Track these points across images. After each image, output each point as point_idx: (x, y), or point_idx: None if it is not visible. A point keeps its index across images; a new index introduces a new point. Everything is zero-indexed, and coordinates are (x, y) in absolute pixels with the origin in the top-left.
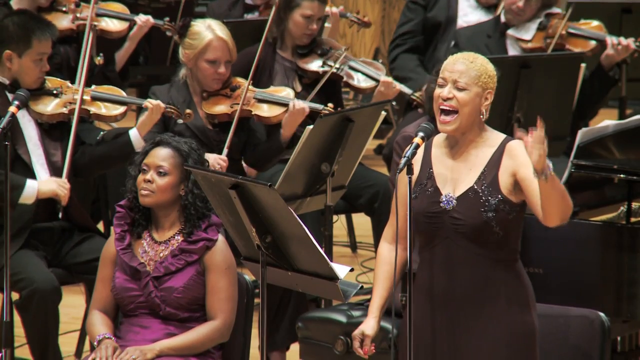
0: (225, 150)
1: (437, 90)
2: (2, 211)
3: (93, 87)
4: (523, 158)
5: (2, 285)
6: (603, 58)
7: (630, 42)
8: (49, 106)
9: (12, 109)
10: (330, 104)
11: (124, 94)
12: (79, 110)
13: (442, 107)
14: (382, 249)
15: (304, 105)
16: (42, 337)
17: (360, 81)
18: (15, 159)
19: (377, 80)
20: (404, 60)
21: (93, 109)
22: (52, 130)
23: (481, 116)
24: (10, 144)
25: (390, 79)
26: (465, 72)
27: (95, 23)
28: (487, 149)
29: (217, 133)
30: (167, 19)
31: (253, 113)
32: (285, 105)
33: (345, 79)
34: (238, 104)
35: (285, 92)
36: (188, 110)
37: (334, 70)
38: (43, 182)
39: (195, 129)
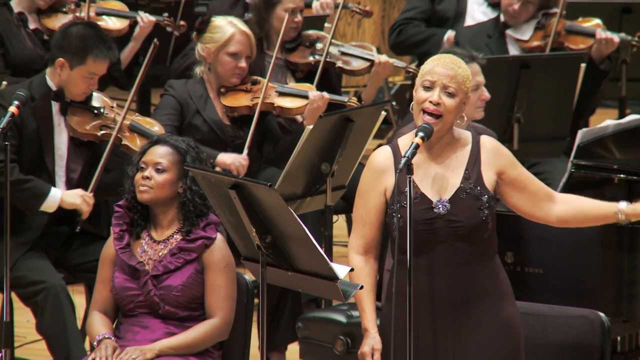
0: (245, 151)
1: (423, 93)
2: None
3: (136, 115)
4: (506, 158)
5: (10, 285)
6: (593, 51)
7: (614, 37)
8: (85, 124)
9: (12, 109)
10: (354, 98)
11: (160, 127)
12: (115, 138)
13: (427, 110)
14: (357, 262)
15: (325, 94)
16: (62, 333)
17: (353, 64)
18: (40, 166)
19: (370, 61)
20: (409, 29)
21: (126, 141)
22: (82, 146)
23: (459, 121)
24: (39, 148)
25: (384, 57)
26: (454, 78)
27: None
28: (462, 148)
29: (234, 128)
30: (165, 14)
31: (276, 105)
32: (307, 97)
33: (338, 64)
34: (259, 97)
35: (304, 86)
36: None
37: (326, 57)
38: (68, 194)
39: (213, 123)
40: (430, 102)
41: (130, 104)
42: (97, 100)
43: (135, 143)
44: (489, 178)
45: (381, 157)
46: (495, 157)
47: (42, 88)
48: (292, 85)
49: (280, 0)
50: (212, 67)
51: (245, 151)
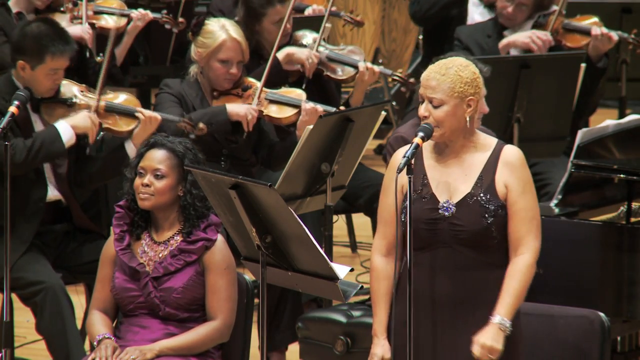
0: (256, 100)
1: (419, 107)
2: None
3: (109, 94)
4: (518, 178)
5: (9, 285)
6: (590, 49)
7: (612, 33)
8: (61, 117)
9: (12, 109)
10: (341, 107)
11: (137, 102)
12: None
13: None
14: (377, 263)
15: (317, 106)
16: (61, 333)
17: (341, 72)
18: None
19: (355, 67)
20: None
21: (106, 124)
22: None
23: (467, 124)
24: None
25: (367, 65)
26: (437, 87)
27: (94, 21)
28: (480, 154)
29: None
30: (164, 11)
31: (265, 114)
32: (296, 106)
33: (325, 72)
34: (249, 104)
35: (295, 93)
36: (201, 125)
37: (315, 62)
38: (75, 120)
39: None
40: (419, 116)
41: (101, 88)
42: (66, 87)
43: (117, 124)
44: (501, 188)
45: (401, 156)
46: (509, 169)
47: (10, 88)
48: (284, 92)
49: (266, 12)
50: (204, 71)
51: (256, 100)
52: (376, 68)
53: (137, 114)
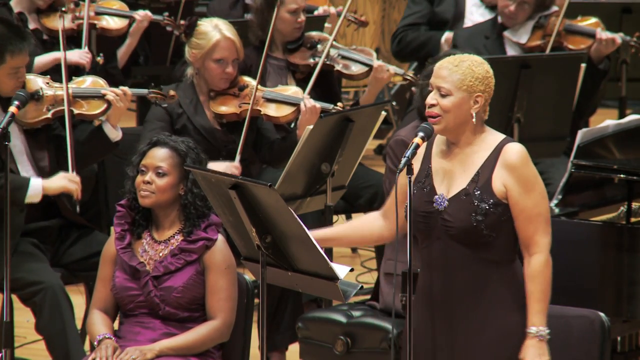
0: (238, 157)
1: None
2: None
3: (72, 82)
4: (518, 177)
5: (9, 285)
6: (592, 51)
7: (616, 36)
8: (31, 113)
9: (12, 109)
10: (339, 104)
11: (103, 83)
12: (69, 112)
13: (426, 113)
14: (370, 215)
15: (316, 104)
16: (61, 332)
17: (354, 69)
18: (1, 168)
19: (369, 66)
20: (408, 35)
21: (76, 110)
22: (38, 134)
23: (473, 120)
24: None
25: (382, 63)
26: (447, 77)
27: (95, 22)
28: (483, 151)
29: (225, 133)
30: (166, 14)
31: (262, 113)
32: (294, 104)
33: (337, 67)
34: (247, 103)
35: (292, 91)
36: (172, 92)
37: (325, 60)
38: (50, 181)
39: (203, 130)
40: (426, 104)
41: (67, 76)
42: (32, 81)
43: (85, 107)
44: (499, 187)
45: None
46: (507, 170)
47: None
48: (281, 90)
49: (283, 1)
50: (199, 72)
51: (238, 157)
52: (391, 68)
53: (106, 95)
